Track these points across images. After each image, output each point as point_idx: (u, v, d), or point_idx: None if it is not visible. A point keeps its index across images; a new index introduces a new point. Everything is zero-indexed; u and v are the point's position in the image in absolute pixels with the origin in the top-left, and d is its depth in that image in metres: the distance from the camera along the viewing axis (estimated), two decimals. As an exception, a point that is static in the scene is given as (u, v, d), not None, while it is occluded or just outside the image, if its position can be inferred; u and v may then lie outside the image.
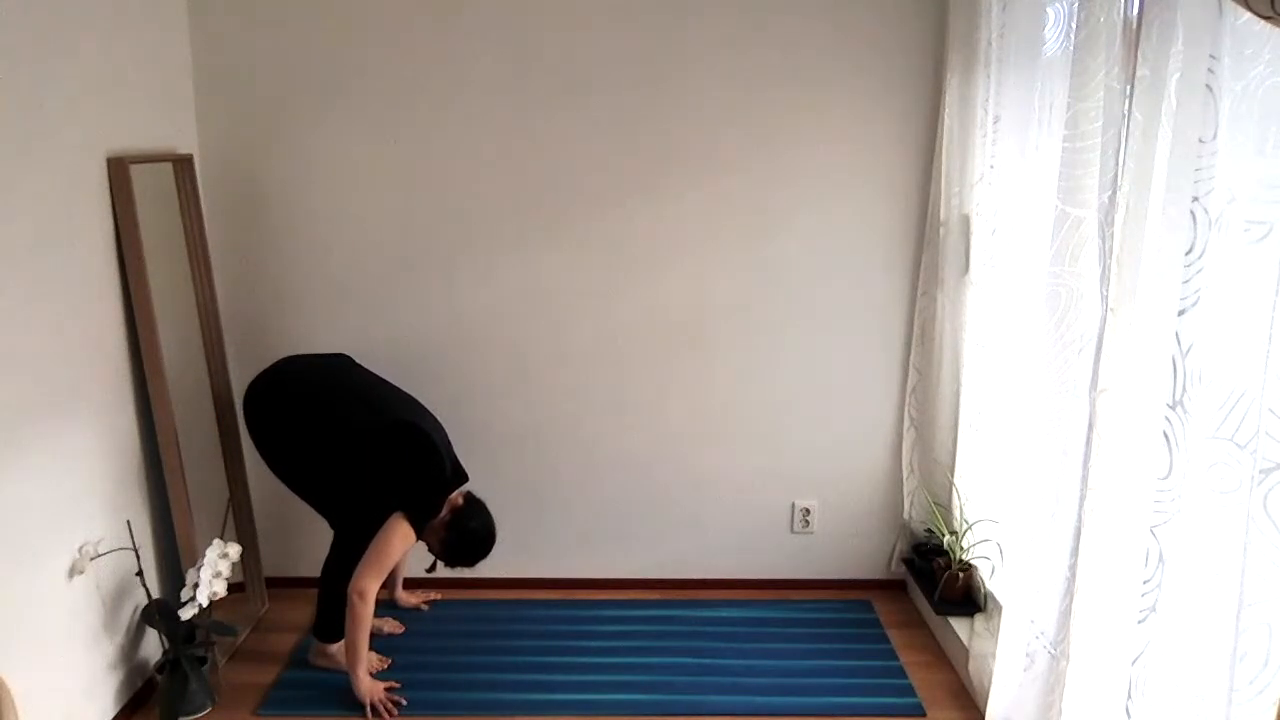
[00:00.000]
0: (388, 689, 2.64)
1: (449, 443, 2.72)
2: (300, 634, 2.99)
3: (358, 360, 2.89)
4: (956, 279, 2.86)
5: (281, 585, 3.25)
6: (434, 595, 3.22)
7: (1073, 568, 2.00)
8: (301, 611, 3.09)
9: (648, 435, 3.20)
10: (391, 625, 3.00)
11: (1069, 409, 2.04)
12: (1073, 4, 2.07)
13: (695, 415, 3.18)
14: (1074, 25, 1.99)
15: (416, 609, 3.15)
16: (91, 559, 2.36)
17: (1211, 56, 1.55)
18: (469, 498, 2.69)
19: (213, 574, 2.52)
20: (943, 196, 2.87)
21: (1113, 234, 1.82)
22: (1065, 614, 2.05)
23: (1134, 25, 1.76)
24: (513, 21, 2.87)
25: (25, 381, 2.13)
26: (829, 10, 2.86)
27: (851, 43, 2.89)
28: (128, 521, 2.54)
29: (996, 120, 2.60)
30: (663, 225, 3.02)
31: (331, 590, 2.70)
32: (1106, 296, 1.85)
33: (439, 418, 2.76)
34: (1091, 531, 1.94)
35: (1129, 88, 1.77)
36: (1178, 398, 1.64)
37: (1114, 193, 1.81)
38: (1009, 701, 2.34)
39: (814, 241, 3.04)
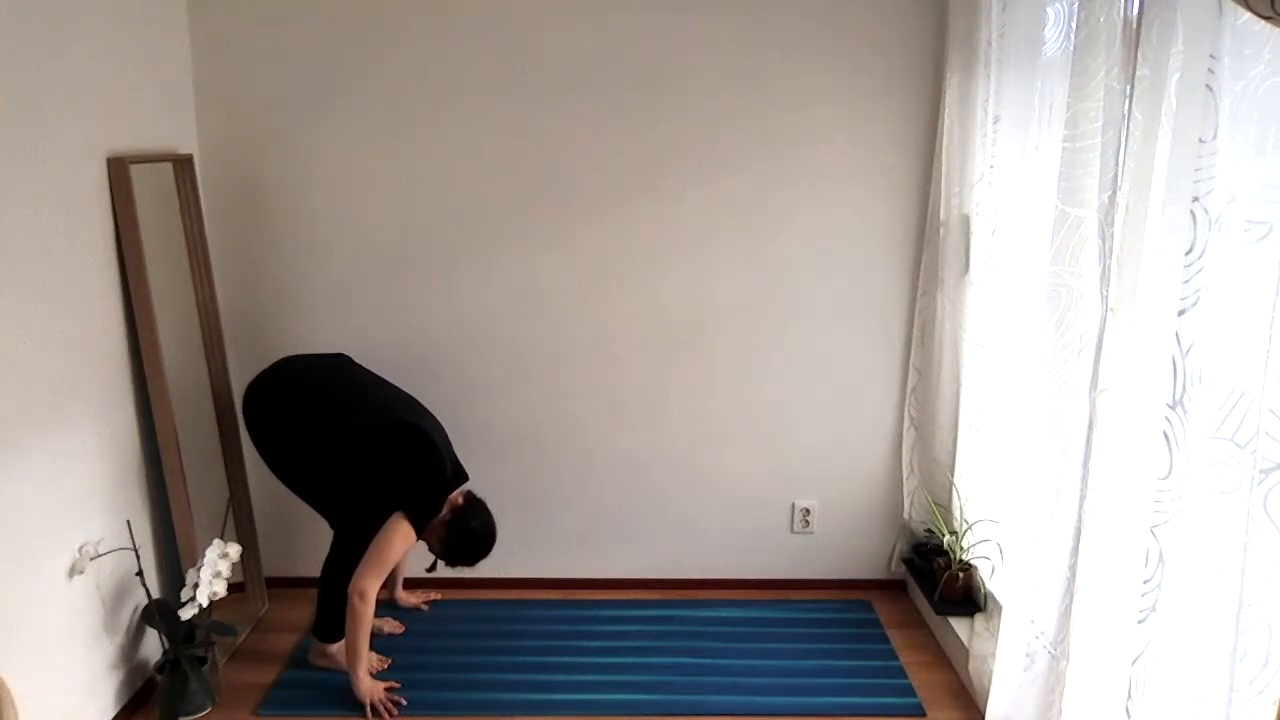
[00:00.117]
0: (388, 689, 2.64)
1: (449, 442, 2.72)
2: (300, 634, 2.99)
3: (358, 360, 2.89)
4: (956, 279, 2.86)
5: (281, 585, 3.25)
6: (434, 595, 3.22)
7: (1073, 568, 2.00)
8: (301, 611, 3.09)
9: (647, 435, 3.20)
10: (391, 625, 3.00)
11: (1069, 409, 2.04)
12: (1073, 4, 2.07)
13: (695, 415, 3.18)
14: (1074, 25, 1.99)
15: (416, 609, 3.15)
16: (91, 559, 2.36)
17: (1211, 56, 1.55)
18: (469, 497, 2.69)
19: (213, 574, 2.52)
20: (943, 196, 2.87)
21: (1113, 234, 1.82)
22: (1065, 614, 2.05)
23: (1134, 25, 1.76)
24: (513, 21, 2.87)
25: (25, 381, 2.13)
26: (829, 10, 2.86)
27: (851, 43, 2.89)
28: (128, 521, 2.54)
29: (996, 120, 2.60)
30: (663, 225, 3.02)
31: (331, 590, 2.70)
32: (1106, 296, 1.85)
33: (439, 418, 2.76)
34: (1091, 531, 1.94)
35: (1129, 88, 1.77)
36: (1178, 398, 1.65)
37: (1114, 193, 1.81)
38: (1009, 701, 2.34)
39: (814, 241, 3.04)
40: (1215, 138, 1.55)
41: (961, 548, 2.87)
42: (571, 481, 3.24)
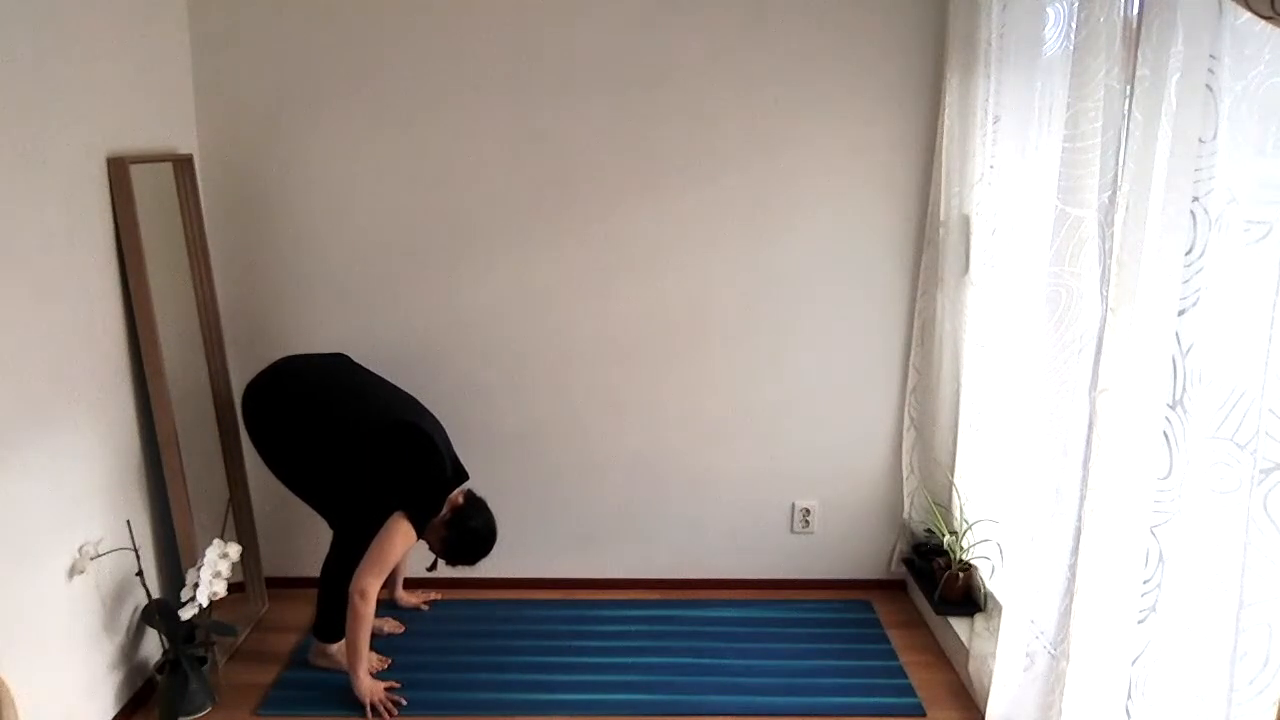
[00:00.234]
0: (388, 689, 2.64)
1: (449, 442, 2.72)
2: (300, 634, 2.99)
3: (357, 360, 2.89)
4: (956, 279, 2.86)
5: (281, 585, 3.25)
6: (434, 595, 3.22)
7: (1073, 568, 2.00)
8: (301, 611, 3.09)
9: (647, 435, 3.20)
10: (392, 625, 3.00)
11: (1069, 409, 2.04)
12: (1073, 4, 2.07)
13: (695, 415, 3.18)
14: (1074, 25, 1.99)
15: (417, 609, 3.15)
16: (91, 559, 2.36)
17: (1211, 56, 1.55)
18: (469, 496, 2.69)
19: (213, 574, 2.52)
20: (943, 196, 2.87)
21: (1113, 234, 1.82)
22: (1065, 614, 2.05)
23: (1134, 25, 1.76)
24: (513, 21, 2.87)
25: (25, 381, 2.13)
26: (830, 10, 2.86)
27: (852, 43, 2.89)
28: (128, 521, 2.54)
29: (996, 120, 2.60)
30: (663, 225, 3.02)
31: (331, 590, 2.70)
32: (1106, 296, 1.85)
33: (439, 417, 2.76)
34: (1091, 531, 1.94)
35: (1129, 88, 1.77)
36: (1178, 398, 1.65)
37: (1114, 193, 1.81)
38: (1009, 701, 2.34)
39: (814, 241, 3.04)
40: (1215, 138, 1.55)
41: (961, 548, 2.87)
42: (571, 481, 3.24)
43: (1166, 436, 1.67)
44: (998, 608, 2.64)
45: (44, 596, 2.21)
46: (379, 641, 2.89)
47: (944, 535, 2.94)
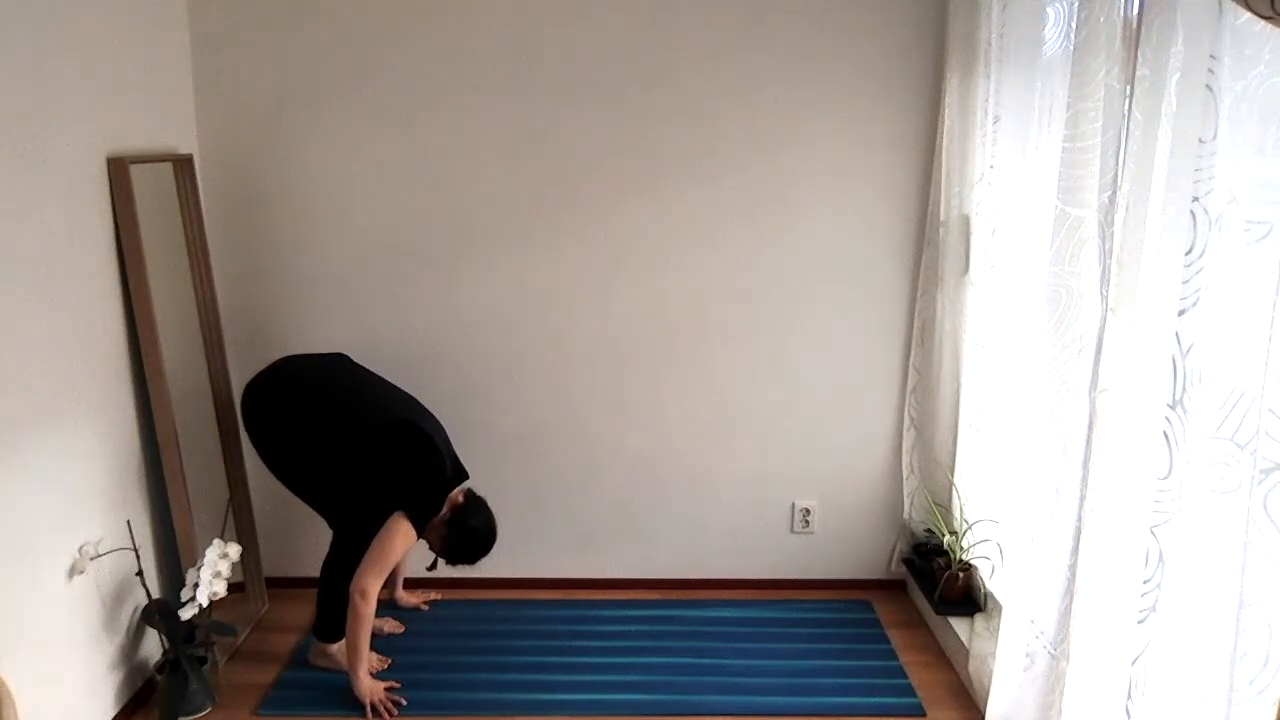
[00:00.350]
0: (388, 689, 2.64)
1: (448, 441, 2.72)
2: (300, 634, 2.99)
3: (358, 360, 2.89)
4: (956, 279, 2.86)
5: (281, 585, 3.25)
6: (434, 595, 3.22)
7: (1073, 568, 2.00)
8: (301, 611, 3.09)
9: (648, 435, 3.20)
10: (392, 625, 3.00)
11: (1069, 409, 2.04)
12: (1073, 4, 2.07)
13: (695, 415, 3.18)
14: (1074, 25, 1.99)
15: (417, 609, 3.15)
16: (91, 559, 2.36)
17: (1211, 56, 1.55)
18: (470, 495, 2.69)
19: (213, 574, 2.52)
20: (943, 196, 2.87)
21: (1113, 234, 1.82)
22: (1065, 614, 2.05)
23: (1134, 25, 1.76)
24: (513, 21, 2.87)
25: (25, 381, 2.13)
26: (829, 10, 2.86)
27: (851, 43, 2.89)
28: (128, 521, 2.54)
29: (996, 120, 2.60)
30: (663, 225, 3.02)
31: (331, 590, 2.70)
32: (1106, 296, 1.85)
33: (439, 417, 2.76)
34: (1091, 531, 1.94)
35: (1129, 88, 1.77)
36: (1178, 398, 1.65)
37: (1114, 193, 1.81)
38: (1009, 701, 2.34)
39: (814, 241, 3.04)
40: (1215, 138, 1.55)
41: (961, 548, 2.87)
42: (571, 481, 3.24)
43: (1166, 436, 1.67)
44: (998, 608, 2.64)
45: (44, 596, 2.21)
46: (379, 641, 2.89)
47: (944, 535, 2.94)
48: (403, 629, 3.01)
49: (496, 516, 2.69)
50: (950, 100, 2.80)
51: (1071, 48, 1.99)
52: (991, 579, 2.76)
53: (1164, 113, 1.68)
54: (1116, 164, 1.81)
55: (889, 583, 3.34)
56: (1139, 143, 1.75)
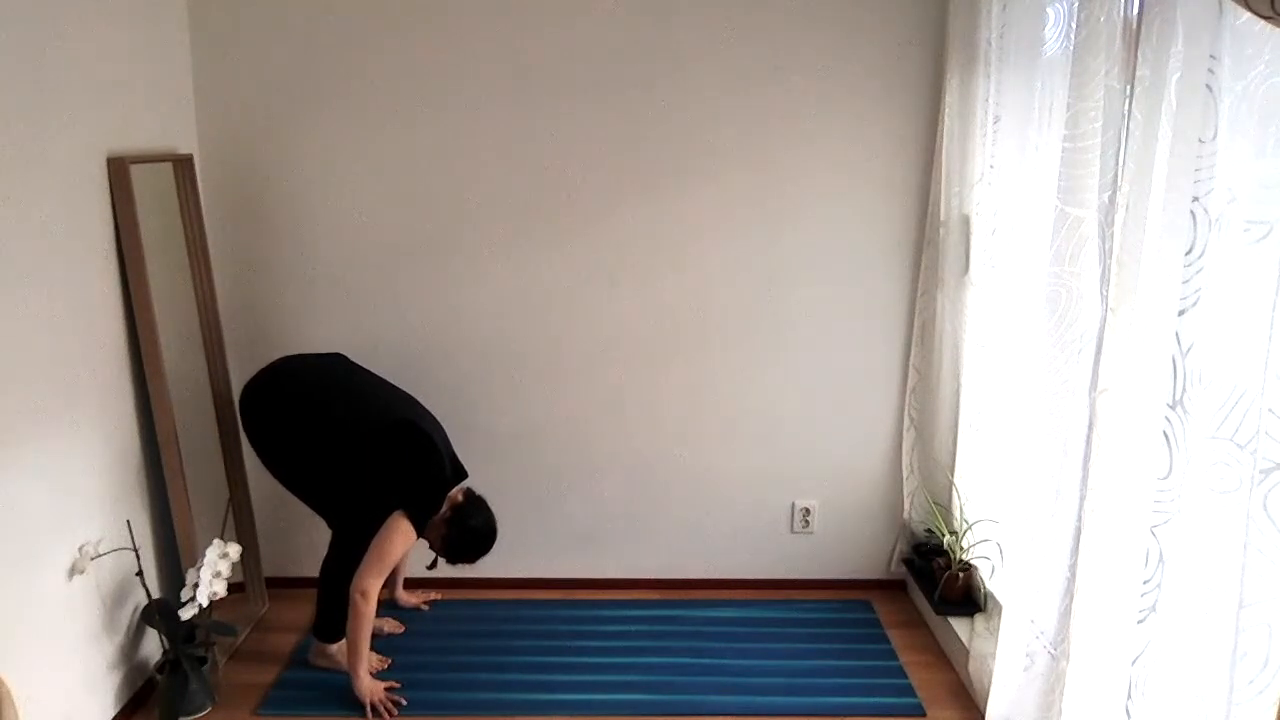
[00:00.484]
0: (388, 689, 2.64)
1: (448, 440, 2.72)
2: (300, 634, 2.99)
3: (359, 360, 2.89)
4: (956, 279, 2.86)
5: (281, 585, 3.25)
6: (434, 595, 3.22)
7: (1073, 568, 2.00)
8: (301, 611, 3.09)
9: (648, 435, 3.20)
10: (392, 625, 3.00)
11: (1069, 409, 2.04)
12: (1073, 4, 2.07)
13: (695, 415, 3.18)
14: (1074, 25, 1.99)
15: (417, 609, 3.15)
16: (91, 559, 2.36)
17: (1211, 56, 1.55)
18: (469, 494, 2.69)
19: (213, 574, 2.52)
20: (943, 196, 2.87)
21: (1113, 234, 1.82)
22: (1065, 614, 2.05)
23: (1134, 25, 1.76)
24: (513, 21, 2.87)
25: (25, 381, 2.13)
26: (829, 10, 2.86)
27: (852, 43, 2.88)
28: (128, 521, 2.54)
29: (996, 120, 2.60)
30: (662, 225, 3.02)
31: (331, 590, 2.70)
32: (1106, 296, 1.85)
33: (439, 417, 2.76)
34: (1091, 531, 1.94)
35: (1129, 88, 1.77)
36: (1178, 398, 1.65)
37: (1114, 193, 1.81)
38: (1009, 701, 2.34)
39: (814, 241, 3.04)
40: (1215, 138, 1.55)
41: (961, 548, 2.87)
42: (571, 481, 3.24)
43: (1166, 436, 1.67)
44: (998, 608, 2.64)
45: (44, 596, 2.21)
46: (379, 641, 2.89)
47: (944, 535, 2.94)
48: (403, 629, 3.01)
49: (496, 516, 2.69)
50: (950, 100, 2.80)
51: (1071, 48, 1.99)
52: (991, 579, 2.76)
53: (1164, 113, 1.68)
54: (1116, 164, 1.81)
55: (889, 583, 3.34)
56: (1139, 143, 1.75)
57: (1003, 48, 2.56)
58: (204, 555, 2.54)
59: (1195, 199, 1.59)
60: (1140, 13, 1.73)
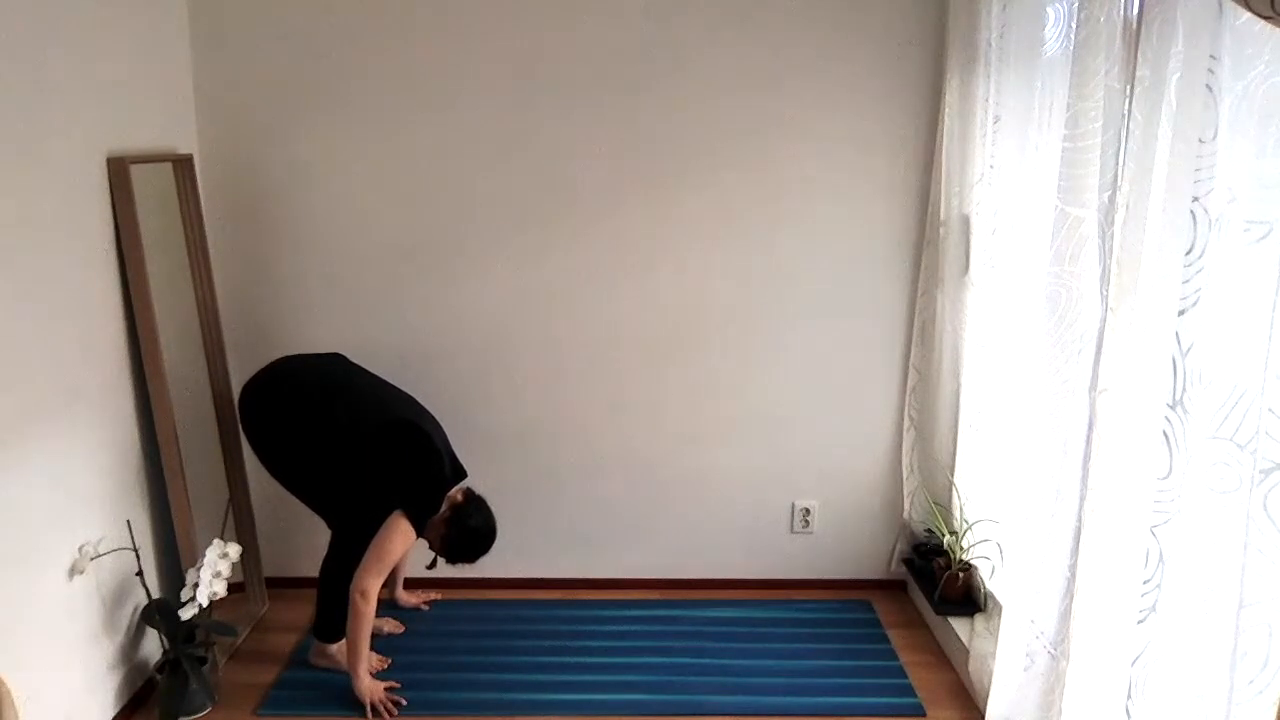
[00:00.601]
0: (388, 689, 2.64)
1: (447, 440, 2.72)
2: (300, 634, 2.99)
3: (358, 360, 2.89)
4: (956, 279, 2.86)
5: (281, 585, 3.25)
6: (434, 595, 3.22)
7: (1073, 568, 2.00)
8: (301, 611, 3.09)
9: (648, 435, 3.20)
10: (392, 625, 3.00)
11: (1069, 409, 2.04)
12: (1073, 4, 2.07)
13: (695, 415, 3.18)
14: (1074, 25, 1.99)
15: (417, 609, 3.15)
16: (91, 559, 2.36)
17: (1211, 56, 1.55)
18: (469, 494, 2.69)
19: (213, 574, 2.52)
20: (943, 196, 2.87)
21: (1113, 234, 1.82)
22: (1065, 614, 2.05)
23: (1134, 25, 1.76)
24: (514, 22, 2.87)
25: (25, 381, 2.13)
26: (829, 10, 2.86)
27: (852, 42, 2.88)
28: (128, 521, 2.54)
29: (996, 120, 2.60)
30: (662, 225, 3.02)
31: (331, 590, 2.70)
32: (1106, 296, 1.85)
33: (439, 417, 2.76)
34: (1091, 531, 1.94)
35: (1129, 88, 1.77)
36: (1178, 397, 1.65)
37: (1114, 193, 1.81)
38: (1009, 701, 2.34)
39: (814, 241, 3.04)
40: (1215, 138, 1.55)
41: (961, 548, 2.87)
42: (571, 481, 3.24)
43: (1166, 436, 1.67)
44: (998, 608, 2.64)
45: (44, 596, 2.21)
46: (379, 641, 2.89)
47: (944, 535, 2.94)
48: (403, 629, 3.01)
49: (496, 516, 2.68)
50: (950, 100, 2.80)
51: (1071, 48, 1.99)
52: (991, 579, 2.76)
53: (1164, 113, 1.68)
54: (1116, 164, 1.81)
55: (889, 583, 3.34)
56: (1139, 143, 1.75)
57: (1003, 48, 2.56)
58: (204, 555, 2.54)
59: (1195, 199, 1.59)
60: (1140, 13, 1.73)
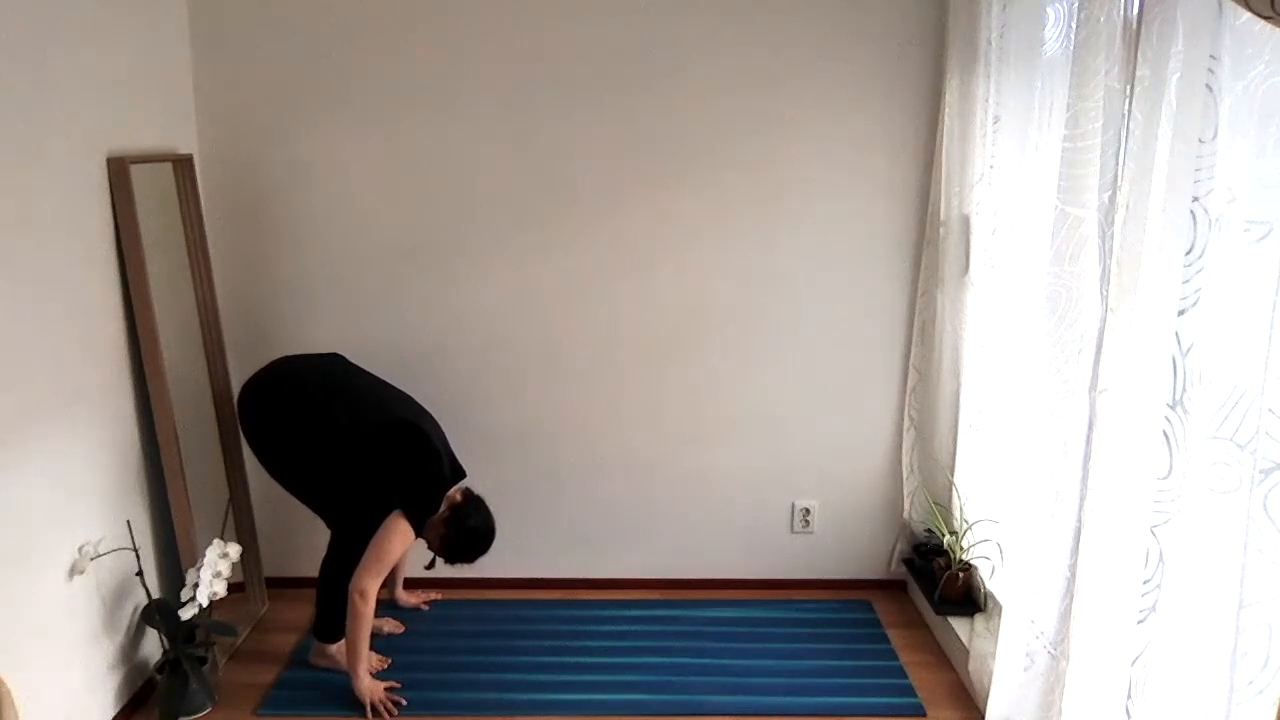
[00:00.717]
0: (388, 689, 2.64)
1: (446, 440, 2.72)
2: (300, 634, 2.99)
3: (358, 360, 2.89)
4: (956, 279, 2.86)
5: (281, 585, 3.25)
6: (434, 595, 3.22)
7: (1073, 568, 2.00)
8: (301, 611, 3.09)
9: (648, 435, 3.20)
10: (391, 625, 3.00)
11: (1069, 409, 2.04)
12: (1073, 4, 2.07)
13: (695, 415, 3.18)
14: (1074, 25, 1.99)
15: (416, 609, 3.15)
16: (91, 559, 2.36)
17: (1211, 56, 1.55)
18: (468, 494, 2.69)
19: (213, 574, 2.52)
20: (943, 196, 2.88)
21: (1113, 234, 1.82)
22: (1065, 614, 2.05)
23: (1134, 25, 1.76)
24: (513, 22, 2.87)
25: (25, 382, 2.13)
26: (829, 10, 2.86)
27: (852, 42, 2.88)
28: (128, 521, 2.54)
29: (996, 120, 2.60)
30: (662, 226, 3.02)
31: (330, 590, 2.70)
32: (1106, 296, 1.85)
33: (439, 417, 2.76)
34: (1091, 531, 1.94)
35: (1129, 88, 1.77)
36: (1178, 397, 1.65)
37: (1114, 193, 1.81)
38: (1009, 701, 2.34)
39: (814, 241, 3.04)
40: (1215, 138, 1.55)
41: (961, 548, 2.87)
42: (571, 481, 3.24)
43: (1166, 436, 1.67)
44: (998, 608, 2.64)
45: (44, 596, 2.21)
46: (379, 641, 2.89)
47: (944, 535, 2.94)
48: (403, 629, 3.01)
49: (496, 516, 2.68)
50: (950, 100, 2.80)
51: (1071, 48, 1.99)
52: (991, 579, 2.76)
53: (1164, 113, 1.68)
54: (1116, 164, 1.81)
55: (889, 583, 3.34)
56: (1139, 143, 1.75)
57: (1003, 48, 2.56)
58: (204, 555, 2.54)
59: (1195, 199, 1.59)
60: (1140, 13, 1.73)
